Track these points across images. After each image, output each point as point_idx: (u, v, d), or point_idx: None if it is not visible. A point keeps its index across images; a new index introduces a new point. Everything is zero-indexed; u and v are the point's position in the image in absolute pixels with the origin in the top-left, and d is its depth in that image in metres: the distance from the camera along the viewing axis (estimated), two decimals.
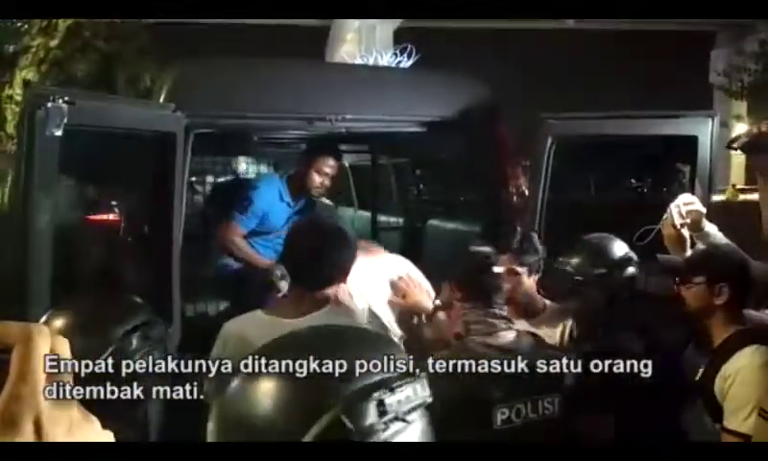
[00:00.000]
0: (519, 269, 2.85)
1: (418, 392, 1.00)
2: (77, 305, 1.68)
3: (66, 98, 2.28)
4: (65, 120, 2.27)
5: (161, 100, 3.31)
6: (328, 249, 2.19)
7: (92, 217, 3.71)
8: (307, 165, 3.89)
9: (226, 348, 2.09)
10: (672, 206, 2.42)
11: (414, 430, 0.96)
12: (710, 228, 2.44)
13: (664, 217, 2.46)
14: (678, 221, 2.40)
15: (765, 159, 2.28)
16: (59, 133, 2.27)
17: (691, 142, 3.27)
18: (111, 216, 3.84)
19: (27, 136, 2.24)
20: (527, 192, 3.82)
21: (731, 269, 2.20)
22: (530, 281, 2.87)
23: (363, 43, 6.00)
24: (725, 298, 2.14)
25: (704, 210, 2.44)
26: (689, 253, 2.41)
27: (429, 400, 1.01)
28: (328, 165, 3.90)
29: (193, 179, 4.69)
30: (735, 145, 2.51)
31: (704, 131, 3.27)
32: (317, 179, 3.87)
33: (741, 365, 2.05)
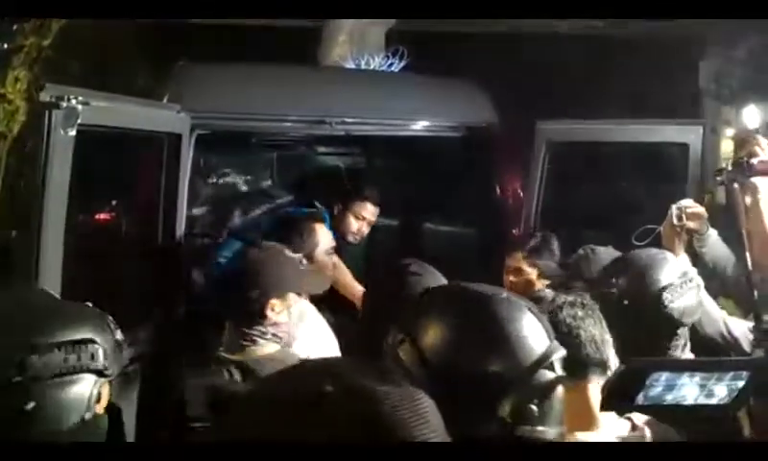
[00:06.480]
0: (528, 269, 2.86)
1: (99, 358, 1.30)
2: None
3: (80, 98, 2.32)
4: (79, 120, 2.32)
5: (165, 101, 3.36)
6: None
7: (95, 216, 3.75)
8: (345, 208, 3.54)
9: None
10: (674, 206, 2.42)
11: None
12: (712, 232, 2.42)
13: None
14: (676, 222, 2.39)
15: (751, 187, 2.32)
16: (72, 132, 2.31)
17: (682, 149, 3.34)
18: (112, 215, 3.89)
19: (43, 136, 2.28)
20: (522, 195, 3.88)
21: None
22: (538, 284, 2.81)
23: (354, 45, 6.04)
24: None
25: (705, 214, 2.43)
26: (682, 253, 2.39)
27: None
28: (367, 211, 3.55)
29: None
30: (721, 179, 2.51)
31: (695, 138, 3.34)
32: (354, 224, 3.53)
33: None
